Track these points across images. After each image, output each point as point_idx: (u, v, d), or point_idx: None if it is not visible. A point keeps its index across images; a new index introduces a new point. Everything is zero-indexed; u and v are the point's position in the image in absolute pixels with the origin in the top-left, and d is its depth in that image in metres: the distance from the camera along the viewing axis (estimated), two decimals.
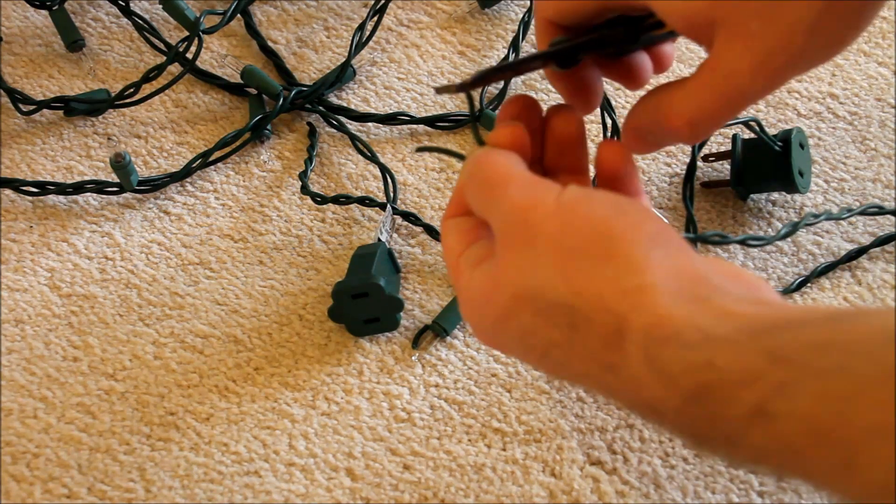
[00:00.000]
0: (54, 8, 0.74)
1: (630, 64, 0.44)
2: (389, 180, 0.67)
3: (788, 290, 0.62)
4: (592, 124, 0.69)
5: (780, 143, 0.64)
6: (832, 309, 0.33)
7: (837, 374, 0.30)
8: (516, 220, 0.38)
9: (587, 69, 0.44)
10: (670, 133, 0.41)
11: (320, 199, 0.66)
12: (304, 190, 0.66)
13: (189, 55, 0.71)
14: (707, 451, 0.36)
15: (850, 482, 0.30)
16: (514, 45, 0.72)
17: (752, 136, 0.65)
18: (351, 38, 0.72)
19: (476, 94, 0.72)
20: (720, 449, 0.35)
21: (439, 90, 0.44)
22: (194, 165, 0.67)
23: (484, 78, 0.43)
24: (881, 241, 0.64)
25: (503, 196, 0.39)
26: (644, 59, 0.44)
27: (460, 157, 0.44)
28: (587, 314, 0.36)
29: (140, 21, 0.73)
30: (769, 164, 0.64)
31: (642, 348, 0.35)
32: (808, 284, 0.62)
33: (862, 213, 0.64)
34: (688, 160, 0.67)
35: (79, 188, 0.66)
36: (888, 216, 0.65)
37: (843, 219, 0.64)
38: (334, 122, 0.70)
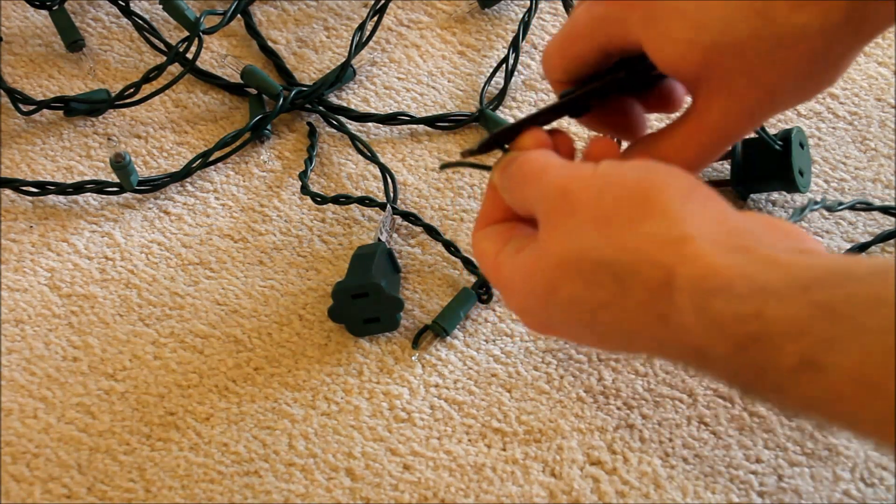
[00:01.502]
0: (54, 8, 0.74)
1: (660, 92, 0.46)
2: (389, 180, 0.67)
3: None
4: None
5: (780, 143, 0.64)
6: (876, 262, 0.33)
7: (887, 332, 0.31)
8: (557, 195, 0.40)
9: (620, 106, 0.46)
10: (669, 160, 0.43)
11: (320, 199, 0.66)
12: (304, 190, 0.66)
13: (189, 55, 0.71)
14: (755, 397, 0.37)
15: None
16: (514, 45, 0.72)
17: (753, 135, 0.65)
18: (351, 38, 0.72)
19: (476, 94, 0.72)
20: (768, 396, 0.36)
21: (445, 167, 0.47)
22: (194, 165, 0.67)
23: (491, 143, 0.44)
24: (882, 238, 0.64)
25: (544, 181, 0.40)
26: (673, 85, 0.46)
27: (486, 168, 0.45)
28: (632, 267, 0.37)
29: (140, 21, 0.73)
30: (769, 163, 0.64)
31: (691, 299, 0.35)
32: None
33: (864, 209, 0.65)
34: None
35: (79, 188, 0.66)
36: (886, 223, 0.65)
37: (852, 208, 0.65)
38: (334, 122, 0.70)
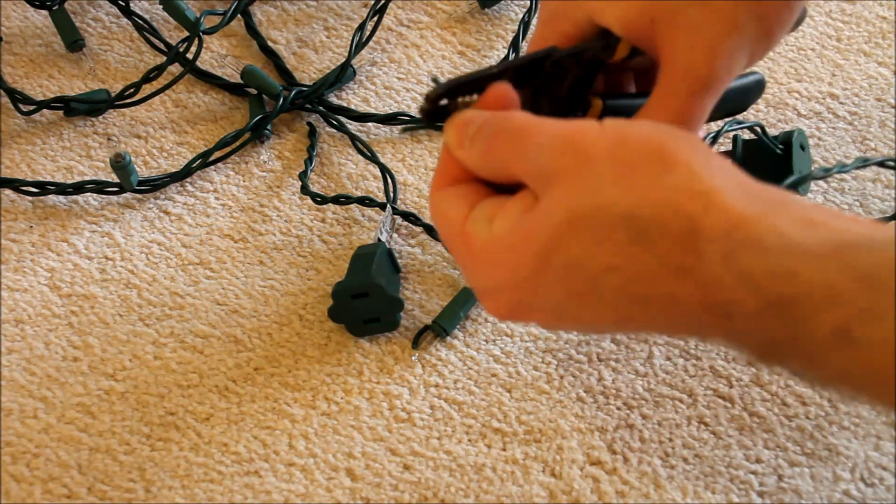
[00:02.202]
0: (54, 8, 0.74)
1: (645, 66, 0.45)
2: (389, 180, 0.67)
3: None
4: None
5: (781, 146, 0.64)
6: None
7: None
8: (562, 151, 0.37)
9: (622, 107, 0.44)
10: None
11: (320, 199, 0.66)
12: (304, 190, 0.66)
13: (189, 55, 0.71)
14: (774, 363, 0.35)
15: None
16: (514, 45, 0.72)
17: (753, 137, 0.65)
18: (351, 38, 0.72)
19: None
20: (792, 363, 0.34)
21: (405, 130, 0.43)
22: (194, 165, 0.67)
23: (441, 98, 0.41)
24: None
25: (538, 138, 0.38)
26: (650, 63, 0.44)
27: (437, 128, 0.43)
28: (655, 219, 0.34)
29: (140, 21, 0.73)
30: (770, 166, 0.64)
31: (720, 248, 0.33)
32: None
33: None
34: None
35: (79, 188, 0.66)
36: (886, 214, 0.65)
37: (858, 168, 0.65)
38: (334, 122, 0.70)
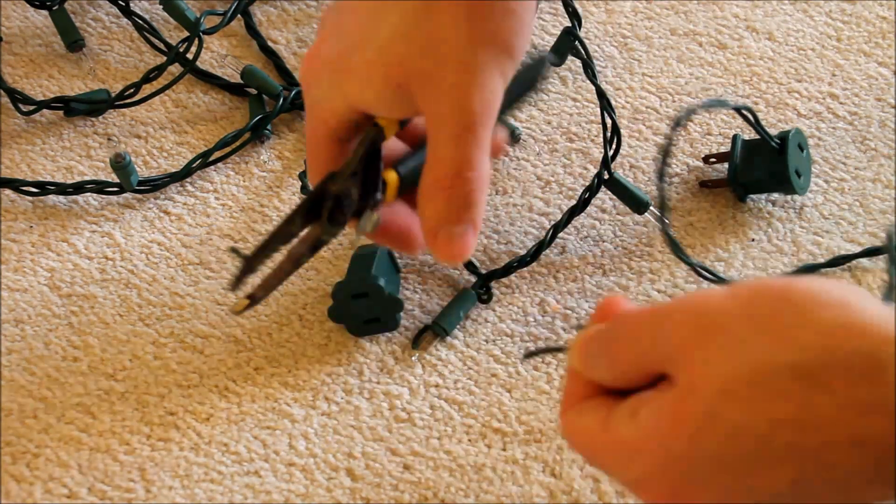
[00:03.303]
0: (54, 8, 0.74)
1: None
2: None
3: None
4: (592, 124, 0.70)
5: (777, 140, 0.64)
6: None
7: None
8: (695, 324, 0.35)
9: (393, 212, 0.44)
10: (443, 201, 0.41)
11: None
12: (304, 190, 0.66)
13: (189, 55, 0.71)
14: None
15: None
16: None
17: (753, 136, 0.65)
18: None
19: None
20: None
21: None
22: (194, 165, 0.67)
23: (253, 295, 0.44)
24: (869, 253, 0.63)
25: (666, 320, 0.36)
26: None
27: (561, 350, 0.43)
28: (829, 362, 0.32)
29: (140, 21, 0.73)
30: (766, 164, 0.64)
31: None
32: None
33: None
34: (688, 160, 0.67)
35: (79, 188, 0.66)
36: (886, 223, 0.65)
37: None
38: None
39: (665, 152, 0.61)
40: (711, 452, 0.34)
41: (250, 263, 0.43)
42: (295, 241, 0.43)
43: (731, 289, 0.35)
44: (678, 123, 0.61)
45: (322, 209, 0.43)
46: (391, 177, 0.44)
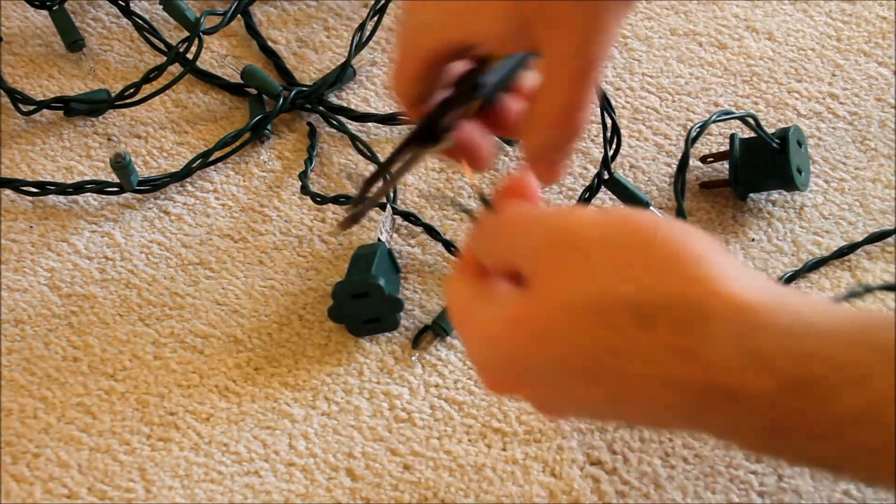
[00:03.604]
0: (54, 8, 0.74)
1: (497, 113, 0.45)
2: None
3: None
4: (592, 124, 0.69)
5: (777, 141, 0.64)
6: None
7: None
8: (555, 238, 0.38)
9: (469, 134, 0.45)
10: (552, 136, 0.42)
11: (320, 199, 0.66)
12: (304, 190, 0.66)
13: (189, 55, 0.71)
14: (771, 451, 0.34)
15: None
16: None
17: (750, 135, 0.65)
18: (351, 38, 0.72)
19: None
20: (804, 445, 0.33)
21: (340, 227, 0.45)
22: (194, 165, 0.67)
23: (359, 212, 0.44)
24: (875, 238, 0.64)
25: (533, 226, 0.39)
26: (510, 102, 0.45)
27: (469, 212, 0.45)
28: (660, 305, 0.35)
29: (140, 21, 0.73)
30: (767, 162, 0.64)
31: (730, 330, 0.33)
32: (806, 284, 0.62)
33: None
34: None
35: (79, 188, 0.66)
36: (886, 223, 0.65)
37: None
38: (334, 122, 0.70)
39: (681, 167, 0.64)
40: (543, 362, 0.37)
41: (365, 189, 0.44)
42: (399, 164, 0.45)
43: (604, 214, 0.38)
44: (692, 139, 0.64)
45: (434, 131, 0.44)
46: (473, 103, 0.45)
